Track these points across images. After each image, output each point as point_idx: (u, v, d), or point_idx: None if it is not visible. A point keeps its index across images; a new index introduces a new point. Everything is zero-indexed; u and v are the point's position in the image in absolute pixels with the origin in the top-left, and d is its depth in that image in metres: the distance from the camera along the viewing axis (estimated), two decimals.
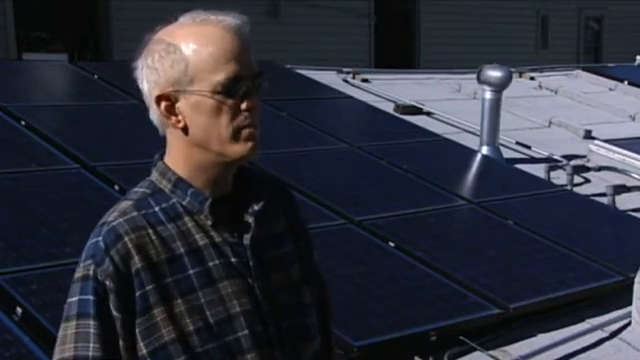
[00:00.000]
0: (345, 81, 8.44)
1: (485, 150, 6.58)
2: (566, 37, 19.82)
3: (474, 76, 7.03)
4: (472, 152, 6.40)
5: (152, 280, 1.59)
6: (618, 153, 6.86)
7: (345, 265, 4.15)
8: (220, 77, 1.59)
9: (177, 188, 1.66)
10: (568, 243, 4.86)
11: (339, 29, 15.74)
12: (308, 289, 1.76)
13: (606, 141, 7.11)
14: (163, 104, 1.63)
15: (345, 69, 8.84)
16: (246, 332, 1.62)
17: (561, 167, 6.56)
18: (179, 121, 1.63)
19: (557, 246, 4.81)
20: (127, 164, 4.71)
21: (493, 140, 6.65)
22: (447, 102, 8.20)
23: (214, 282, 1.62)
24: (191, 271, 1.61)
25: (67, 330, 1.59)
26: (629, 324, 4.21)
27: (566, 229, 5.13)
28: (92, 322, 1.57)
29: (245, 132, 1.61)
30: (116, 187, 4.43)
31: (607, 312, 4.34)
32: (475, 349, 3.77)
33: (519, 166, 6.47)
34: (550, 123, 8.04)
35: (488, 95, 6.70)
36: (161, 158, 1.70)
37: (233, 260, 1.64)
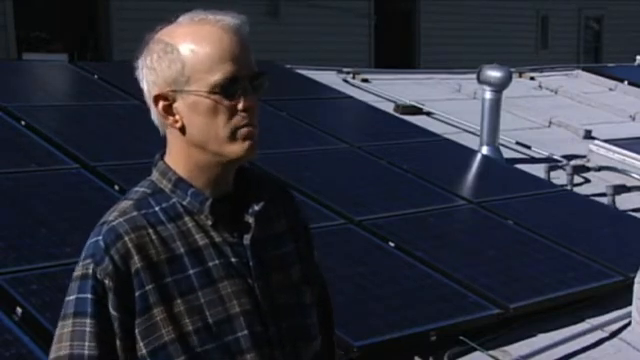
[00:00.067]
0: (345, 81, 8.45)
1: (485, 150, 6.58)
2: (566, 37, 19.83)
3: (474, 76, 7.03)
4: (472, 152, 6.40)
5: (152, 280, 1.59)
6: (618, 153, 6.86)
7: (345, 265, 4.15)
8: (216, 77, 1.59)
9: (177, 188, 1.66)
10: (568, 243, 4.86)
11: (339, 29, 15.74)
12: (308, 289, 1.76)
13: (606, 141, 7.11)
14: (161, 104, 1.63)
15: (345, 69, 8.84)
16: (245, 332, 1.62)
17: (561, 167, 6.56)
18: (177, 121, 1.63)
19: (557, 246, 4.81)
20: (127, 164, 4.71)
21: (493, 140, 6.66)
22: (447, 102, 8.20)
23: (214, 282, 1.62)
24: (191, 271, 1.61)
25: (64, 328, 1.59)
26: (629, 324, 4.21)
27: (566, 229, 5.13)
28: (89, 321, 1.57)
29: (242, 132, 1.61)
30: (116, 187, 4.43)
31: (607, 312, 4.34)
32: (475, 349, 3.77)
33: (519, 166, 6.47)
34: (550, 123, 8.04)
35: (488, 95, 6.70)
36: (162, 158, 1.70)
37: (233, 260, 1.64)
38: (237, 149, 1.62)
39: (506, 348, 3.86)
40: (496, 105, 6.69)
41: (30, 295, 3.37)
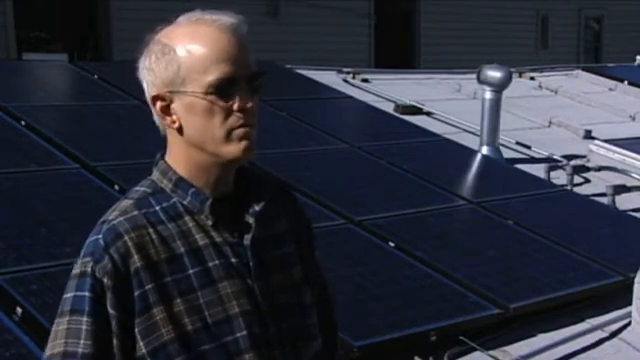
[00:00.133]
0: (345, 81, 8.45)
1: (485, 150, 6.58)
2: (566, 37, 19.83)
3: (474, 76, 7.03)
4: (472, 152, 6.40)
5: (152, 279, 1.59)
6: (618, 153, 6.86)
7: (345, 265, 4.15)
8: (212, 78, 1.58)
9: (178, 188, 1.66)
10: (568, 243, 4.86)
11: (339, 29, 15.74)
12: (308, 289, 1.76)
13: (606, 141, 7.11)
14: (158, 104, 1.64)
15: (345, 69, 8.84)
16: (244, 333, 1.62)
17: (561, 167, 6.56)
18: (174, 121, 1.63)
19: (557, 246, 4.81)
20: (127, 164, 4.71)
21: (493, 140, 6.65)
22: (447, 102, 8.20)
23: (214, 282, 1.62)
24: (191, 271, 1.61)
25: (59, 326, 1.59)
26: (629, 324, 4.21)
27: (566, 229, 5.13)
28: (85, 319, 1.56)
29: (238, 133, 1.61)
30: (116, 187, 4.43)
31: (607, 312, 4.34)
32: (475, 349, 3.77)
33: (519, 166, 6.47)
34: (550, 123, 8.04)
35: (488, 95, 6.70)
36: (162, 157, 1.70)
37: (233, 260, 1.64)
38: (233, 150, 1.62)
39: (506, 348, 3.86)
40: (496, 105, 6.69)
41: (30, 295, 3.37)
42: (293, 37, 14.84)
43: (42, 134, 5.03)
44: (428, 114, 7.66)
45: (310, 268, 1.80)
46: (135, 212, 1.62)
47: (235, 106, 1.60)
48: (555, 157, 6.82)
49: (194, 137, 1.63)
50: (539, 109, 8.37)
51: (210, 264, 1.63)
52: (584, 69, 10.51)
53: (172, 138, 1.67)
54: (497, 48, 16.50)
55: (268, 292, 1.67)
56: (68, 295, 1.60)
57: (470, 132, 7.13)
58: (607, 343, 4.09)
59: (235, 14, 1.64)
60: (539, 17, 19.39)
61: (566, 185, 6.25)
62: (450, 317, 3.90)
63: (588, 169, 6.62)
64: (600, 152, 6.93)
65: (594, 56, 20.37)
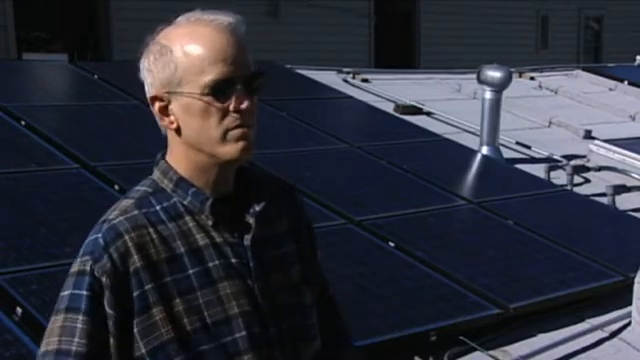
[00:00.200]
0: (345, 81, 8.44)
1: (485, 150, 6.58)
2: (566, 37, 19.83)
3: (474, 76, 7.03)
4: (472, 152, 6.40)
5: (151, 279, 1.58)
6: (618, 153, 6.86)
7: (345, 265, 4.15)
8: (207, 79, 1.58)
9: (178, 187, 1.66)
10: (568, 243, 4.86)
11: (339, 29, 15.74)
12: (308, 289, 1.76)
13: (606, 141, 7.11)
14: (157, 105, 1.64)
15: (345, 69, 8.84)
16: (243, 333, 1.62)
17: (561, 167, 6.56)
18: (172, 122, 1.64)
19: (557, 246, 4.81)
20: (127, 164, 4.71)
21: (493, 140, 6.65)
22: (447, 102, 8.20)
23: (213, 282, 1.62)
24: (191, 271, 1.61)
25: (54, 323, 1.59)
26: (629, 324, 4.21)
27: (566, 229, 5.13)
28: (81, 317, 1.56)
29: (234, 133, 1.61)
30: (116, 187, 4.43)
31: (607, 312, 4.34)
32: (475, 349, 3.77)
33: (519, 166, 6.47)
34: (550, 123, 8.04)
35: (488, 95, 6.70)
36: (163, 157, 1.70)
37: (233, 261, 1.64)
38: (230, 150, 1.62)
39: (506, 348, 3.86)
40: (496, 105, 6.69)
41: (30, 295, 3.37)
42: (293, 37, 14.84)
43: (42, 134, 5.03)
44: (428, 114, 7.66)
45: (311, 268, 1.80)
46: (135, 212, 1.62)
47: (231, 107, 1.60)
48: (555, 157, 6.82)
49: (192, 138, 1.63)
50: (539, 109, 8.37)
51: (210, 264, 1.63)
52: (584, 69, 10.51)
53: (172, 138, 1.67)
54: (497, 48, 16.51)
55: (268, 292, 1.67)
56: (65, 293, 1.60)
57: (470, 132, 7.12)
58: (607, 343, 4.09)
59: (234, 14, 1.64)
60: (539, 17, 19.40)
61: (566, 185, 6.25)
62: (450, 317, 3.90)
63: (588, 169, 6.62)
64: (600, 152, 6.93)
65: (594, 56, 20.37)
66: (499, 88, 6.71)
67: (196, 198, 1.64)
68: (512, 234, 4.94)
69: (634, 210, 5.82)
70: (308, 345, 1.73)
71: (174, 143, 1.67)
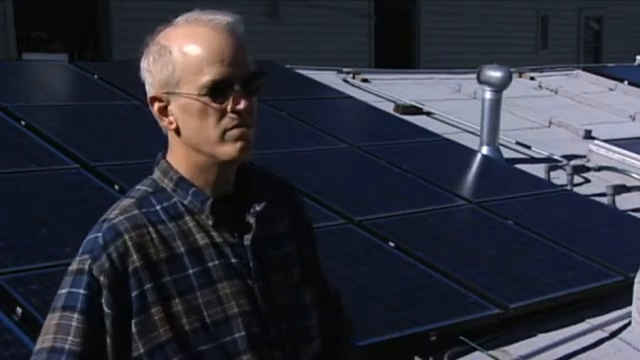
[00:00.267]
0: (345, 81, 8.44)
1: (485, 150, 6.57)
2: (566, 37, 19.83)
3: (474, 76, 7.03)
4: (472, 152, 6.40)
5: (150, 279, 1.58)
6: (618, 153, 6.86)
7: (345, 265, 4.15)
8: (205, 79, 1.58)
9: (178, 187, 1.66)
10: (568, 243, 4.86)
11: (339, 29, 15.74)
12: (308, 290, 1.76)
13: (606, 141, 7.11)
14: (156, 105, 1.64)
15: (345, 69, 8.84)
16: (243, 334, 1.62)
17: (561, 167, 6.56)
18: (171, 122, 1.64)
19: (557, 246, 4.81)
20: (127, 164, 4.71)
21: (493, 140, 6.65)
22: (447, 102, 8.20)
23: (213, 282, 1.62)
24: (190, 271, 1.61)
25: (51, 321, 1.59)
26: (629, 324, 4.21)
27: (566, 229, 5.12)
28: (76, 316, 1.56)
29: (232, 134, 1.60)
30: (116, 187, 4.43)
31: (607, 312, 4.34)
32: (475, 349, 3.77)
33: (519, 166, 6.47)
34: (550, 123, 8.04)
35: (488, 95, 6.70)
36: (164, 156, 1.70)
37: (233, 261, 1.64)
38: (229, 150, 1.62)
39: (506, 348, 3.86)
40: (496, 105, 6.68)
41: (30, 295, 3.37)
42: (293, 37, 14.84)
43: (42, 134, 5.03)
44: (428, 114, 7.65)
45: (312, 268, 1.80)
46: (135, 211, 1.62)
47: (229, 107, 1.60)
48: (555, 157, 6.81)
49: (190, 138, 1.63)
50: (539, 109, 8.37)
51: (210, 264, 1.62)
52: (584, 69, 10.51)
53: (172, 138, 1.67)
54: (497, 48, 16.51)
55: (268, 293, 1.67)
56: (62, 291, 1.60)
57: (470, 132, 7.12)
58: (607, 343, 4.09)
59: (232, 14, 1.64)
60: (539, 17, 19.40)
61: (566, 185, 6.25)
62: (450, 317, 3.90)
63: (588, 169, 6.62)
64: (600, 152, 6.93)
65: (594, 56, 20.38)
66: (499, 88, 6.71)
67: (196, 198, 1.64)
68: (512, 234, 4.94)
69: (634, 210, 5.82)
70: (308, 345, 1.73)
71: (174, 143, 1.67)
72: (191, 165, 1.65)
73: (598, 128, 7.80)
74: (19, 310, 3.27)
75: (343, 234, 4.53)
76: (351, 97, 7.40)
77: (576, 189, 6.22)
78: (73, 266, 1.61)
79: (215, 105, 1.59)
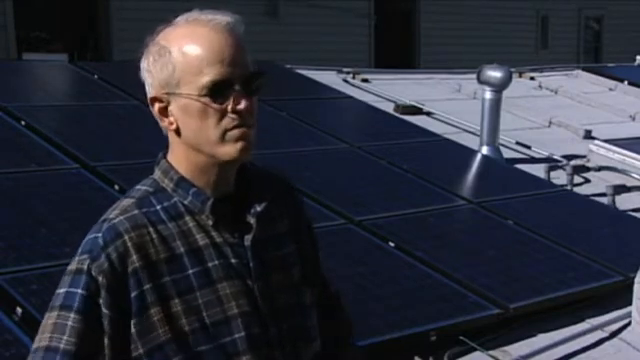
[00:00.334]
0: (345, 81, 8.44)
1: (485, 150, 6.58)
2: (566, 37, 19.83)
3: (474, 76, 7.03)
4: (472, 152, 6.40)
5: (150, 279, 1.58)
6: (618, 153, 6.86)
7: (345, 265, 4.15)
8: (205, 80, 1.58)
9: (179, 187, 1.65)
10: (568, 243, 4.86)
11: (339, 29, 15.74)
12: (308, 290, 1.76)
13: (606, 141, 7.11)
14: (156, 106, 1.64)
15: (345, 69, 8.84)
16: (242, 334, 1.62)
17: (561, 167, 6.56)
18: (172, 123, 1.64)
19: (557, 246, 4.81)
20: (127, 164, 4.71)
21: (493, 140, 6.65)
22: (447, 102, 8.20)
23: (213, 283, 1.62)
24: (190, 271, 1.61)
25: (48, 320, 1.59)
26: (629, 324, 4.21)
27: (566, 229, 5.12)
28: (73, 315, 1.55)
29: (232, 134, 1.60)
30: (116, 187, 4.43)
31: (607, 312, 4.34)
32: (475, 349, 3.77)
33: (519, 166, 6.47)
34: (550, 123, 8.04)
35: (488, 95, 6.70)
36: (164, 156, 1.70)
37: (233, 261, 1.64)
38: (229, 150, 1.61)
39: (506, 348, 3.86)
40: (496, 105, 6.68)
41: (30, 295, 3.37)
42: (293, 37, 14.84)
43: (42, 134, 5.03)
44: (428, 114, 7.65)
45: (312, 268, 1.79)
46: (135, 211, 1.62)
47: (229, 107, 1.60)
48: (555, 157, 6.81)
49: (191, 138, 1.63)
50: (539, 109, 8.37)
51: (210, 264, 1.62)
52: (584, 69, 10.51)
53: (172, 139, 1.67)
54: (497, 48, 16.51)
55: (268, 293, 1.66)
56: (61, 290, 1.60)
57: (470, 132, 7.12)
58: (607, 343, 4.09)
59: (232, 13, 1.64)
60: (539, 17, 19.40)
61: (566, 185, 6.25)
62: (450, 317, 3.90)
63: (588, 169, 6.62)
64: (600, 152, 6.93)
65: (594, 56, 20.38)
66: (499, 88, 6.71)
67: (197, 198, 1.64)
68: (512, 234, 4.94)
69: (634, 210, 5.82)
70: (308, 345, 1.73)
71: (174, 143, 1.67)
72: (191, 165, 1.65)
73: (598, 128, 7.80)
74: (19, 310, 3.27)
75: (343, 234, 4.53)
76: (351, 97, 7.40)
77: (576, 189, 6.22)
78: (72, 266, 1.61)
79: (215, 105, 1.59)
